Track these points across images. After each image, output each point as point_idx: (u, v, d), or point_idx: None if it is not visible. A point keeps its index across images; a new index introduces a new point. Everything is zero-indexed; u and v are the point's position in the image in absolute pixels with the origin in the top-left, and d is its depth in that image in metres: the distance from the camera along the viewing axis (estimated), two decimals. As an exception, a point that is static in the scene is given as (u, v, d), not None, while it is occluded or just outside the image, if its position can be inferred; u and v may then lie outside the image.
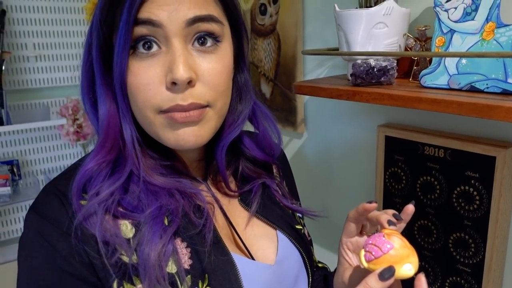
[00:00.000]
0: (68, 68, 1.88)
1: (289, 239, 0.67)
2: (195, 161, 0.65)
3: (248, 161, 0.68)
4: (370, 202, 0.56)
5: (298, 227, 0.70)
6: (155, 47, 0.51)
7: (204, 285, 0.54)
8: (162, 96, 0.52)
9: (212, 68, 0.53)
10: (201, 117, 0.54)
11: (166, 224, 0.54)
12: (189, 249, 0.55)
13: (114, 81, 0.53)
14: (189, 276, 0.54)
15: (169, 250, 0.52)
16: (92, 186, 0.53)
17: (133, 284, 0.51)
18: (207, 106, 0.54)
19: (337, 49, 0.90)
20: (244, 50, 0.62)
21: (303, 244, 0.68)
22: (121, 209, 0.54)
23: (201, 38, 0.52)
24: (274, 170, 0.74)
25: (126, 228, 0.53)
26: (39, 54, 1.79)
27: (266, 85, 1.33)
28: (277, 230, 0.67)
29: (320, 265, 0.78)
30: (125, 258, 0.52)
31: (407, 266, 0.48)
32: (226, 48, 0.55)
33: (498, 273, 0.83)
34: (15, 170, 1.80)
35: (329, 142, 1.17)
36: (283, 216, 0.69)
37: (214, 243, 0.57)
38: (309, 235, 0.74)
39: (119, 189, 0.54)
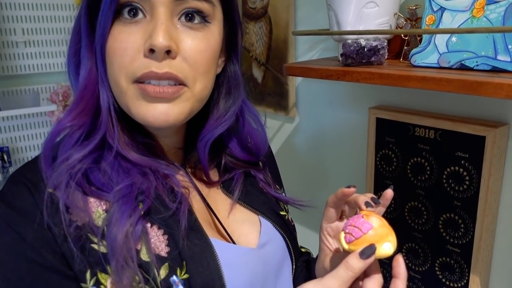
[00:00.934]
0: (58, 54, 1.85)
1: (272, 224, 0.66)
2: (173, 148, 0.63)
3: (231, 157, 0.67)
4: (349, 187, 0.55)
5: (282, 213, 0.69)
6: (140, 15, 0.50)
7: (183, 273, 0.53)
8: (138, 63, 0.50)
9: (195, 45, 0.52)
10: (175, 94, 0.52)
11: (137, 204, 0.52)
12: (166, 236, 0.53)
13: (95, 43, 0.52)
14: (166, 264, 0.52)
15: (138, 230, 0.51)
16: (63, 151, 0.51)
17: (106, 273, 0.49)
18: (184, 85, 0.52)
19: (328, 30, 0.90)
20: (238, 41, 0.60)
21: (287, 230, 0.68)
22: (89, 186, 0.52)
23: (189, 15, 0.51)
24: (260, 165, 0.73)
25: (98, 213, 0.51)
26: (28, 39, 1.76)
27: (258, 69, 1.32)
28: (260, 216, 0.66)
29: (303, 250, 0.78)
30: (95, 246, 0.50)
31: (387, 245, 0.48)
32: (214, 30, 0.54)
33: (487, 252, 0.83)
34: (5, 157, 1.79)
35: (321, 126, 1.17)
36: (267, 202, 0.68)
37: (191, 228, 0.55)
38: (292, 221, 0.73)
39: (89, 157, 0.52)
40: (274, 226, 0.66)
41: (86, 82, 0.54)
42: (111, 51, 0.51)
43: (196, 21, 0.52)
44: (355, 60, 0.78)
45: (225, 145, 0.66)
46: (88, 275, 0.49)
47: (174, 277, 0.52)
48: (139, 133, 0.58)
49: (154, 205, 0.54)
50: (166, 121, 0.52)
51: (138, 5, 0.50)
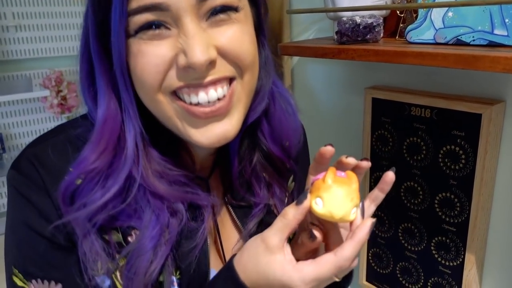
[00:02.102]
0: (50, 38, 1.83)
1: None
2: (207, 155, 0.58)
3: (263, 158, 0.60)
4: (326, 146, 0.50)
5: None
6: (163, 29, 0.44)
7: (177, 273, 0.53)
8: (173, 76, 0.45)
9: (232, 36, 0.46)
10: (229, 107, 0.47)
11: (162, 241, 0.50)
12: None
13: (114, 66, 0.46)
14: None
15: (159, 266, 0.49)
16: (81, 195, 0.48)
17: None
18: (233, 78, 0.47)
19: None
20: (263, 20, 0.54)
21: None
22: (115, 220, 0.49)
23: (217, 11, 0.45)
24: (290, 179, 0.66)
25: (117, 236, 0.50)
26: (19, 23, 1.74)
27: (253, 51, 1.30)
28: None
29: None
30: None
31: (318, 201, 0.44)
32: (244, 15, 0.48)
33: (482, 231, 0.83)
34: (-1, 143, 1.77)
35: (317, 107, 1.16)
36: None
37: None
38: None
39: (113, 201, 0.48)
40: None
41: (105, 116, 0.48)
42: (139, 70, 0.45)
43: (224, 14, 0.46)
44: (350, 38, 0.77)
45: (260, 135, 0.59)
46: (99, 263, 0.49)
47: (173, 278, 0.52)
48: (168, 150, 0.53)
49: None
50: (226, 139, 0.48)
51: (159, 21, 0.44)
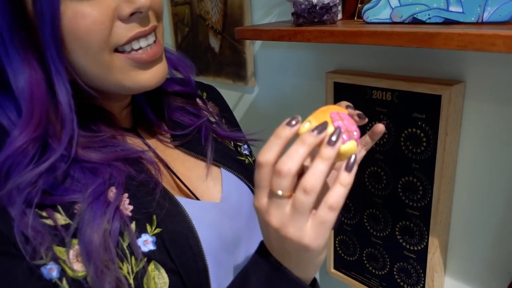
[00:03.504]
0: None
1: (234, 174, 0.64)
2: (125, 109, 0.60)
3: (171, 96, 0.65)
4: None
5: (241, 158, 0.67)
6: None
7: (153, 227, 0.50)
8: (119, 31, 0.47)
9: None
10: (162, 51, 0.52)
11: (109, 199, 0.48)
12: (126, 194, 0.51)
13: (43, 34, 0.44)
14: (133, 222, 0.49)
15: (116, 227, 0.47)
16: (15, 172, 0.44)
17: (64, 246, 0.45)
18: (155, 26, 0.52)
19: (280, -10, 0.85)
20: None
21: (250, 177, 0.65)
22: (50, 196, 0.46)
23: None
24: (200, 103, 0.71)
25: (59, 215, 0.46)
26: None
27: (215, 38, 1.27)
28: (221, 168, 0.64)
29: None
30: (47, 221, 0.45)
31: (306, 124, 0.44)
32: None
33: (445, 214, 0.83)
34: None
35: (281, 94, 1.13)
36: (223, 150, 0.66)
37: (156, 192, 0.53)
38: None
39: (45, 174, 0.46)
40: (236, 176, 0.64)
41: (30, 88, 0.46)
42: (83, 31, 0.45)
43: None
44: (307, 19, 0.74)
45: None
46: (43, 253, 0.44)
47: (143, 236, 0.49)
48: (89, 113, 0.54)
49: (128, 186, 0.51)
50: (162, 79, 0.53)
51: None
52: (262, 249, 0.47)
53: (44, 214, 0.46)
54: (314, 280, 0.50)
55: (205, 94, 0.75)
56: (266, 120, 1.19)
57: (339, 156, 0.42)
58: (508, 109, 0.71)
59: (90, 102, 0.54)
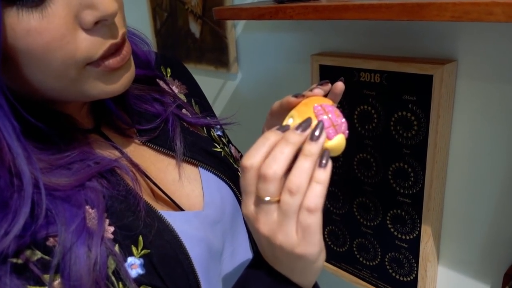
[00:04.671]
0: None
1: (212, 172, 0.59)
2: (84, 106, 0.54)
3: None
4: (296, 96, 0.46)
5: (216, 149, 0.61)
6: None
7: (139, 249, 0.46)
8: (88, 44, 0.40)
9: None
10: (131, 50, 0.46)
11: (89, 225, 0.43)
12: (105, 214, 0.45)
13: None
14: (116, 245, 0.44)
15: (104, 259, 0.42)
16: None
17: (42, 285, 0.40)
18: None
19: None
20: None
21: (228, 173, 0.60)
22: (22, 239, 0.40)
23: None
24: (163, 85, 0.64)
25: (29, 252, 0.40)
26: None
27: (195, 23, 1.21)
28: (199, 168, 0.58)
29: None
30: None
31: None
32: None
33: (438, 200, 0.79)
34: None
35: (265, 79, 1.08)
36: (196, 142, 0.60)
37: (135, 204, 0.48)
38: (238, 151, 0.65)
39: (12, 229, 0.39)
40: (215, 174, 0.59)
41: None
42: (41, 50, 0.38)
43: None
44: (289, -4, 0.69)
45: None
46: None
47: (129, 260, 0.44)
48: (44, 124, 0.46)
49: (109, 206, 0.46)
50: (129, 84, 0.47)
51: None
52: (259, 258, 0.44)
53: (19, 261, 0.40)
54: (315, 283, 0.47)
55: (169, 71, 0.67)
56: (250, 108, 1.14)
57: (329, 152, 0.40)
58: (502, 87, 0.67)
59: (42, 106, 0.47)
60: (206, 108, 0.69)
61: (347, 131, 0.43)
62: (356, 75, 0.82)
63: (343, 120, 0.42)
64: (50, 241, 0.41)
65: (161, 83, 0.64)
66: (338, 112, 0.42)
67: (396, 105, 0.77)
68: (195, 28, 1.21)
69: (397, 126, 0.79)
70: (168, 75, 0.67)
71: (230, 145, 0.68)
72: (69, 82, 0.42)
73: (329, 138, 0.40)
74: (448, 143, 0.76)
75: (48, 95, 0.44)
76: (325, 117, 0.40)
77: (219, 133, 0.67)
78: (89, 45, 0.40)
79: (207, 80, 1.23)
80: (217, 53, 1.17)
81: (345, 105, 0.86)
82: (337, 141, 0.41)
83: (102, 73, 0.43)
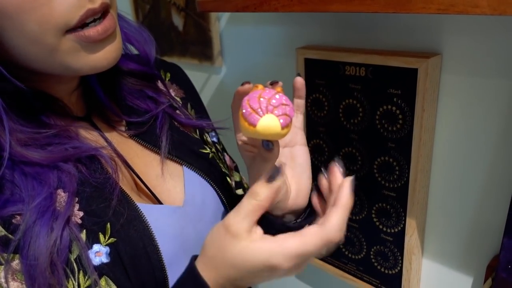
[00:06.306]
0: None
1: (197, 173, 0.58)
2: (74, 92, 0.53)
3: (126, 75, 0.58)
4: (243, 84, 0.49)
5: (204, 151, 0.61)
6: None
7: (107, 237, 0.45)
8: (64, 7, 0.39)
9: None
10: (115, 25, 0.44)
11: (58, 207, 0.42)
12: (76, 198, 0.44)
13: None
14: (84, 231, 0.43)
15: (65, 242, 0.41)
16: None
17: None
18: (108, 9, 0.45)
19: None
20: None
21: (214, 175, 0.60)
22: None
23: None
24: (160, 86, 0.64)
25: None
26: None
27: (178, 15, 1.19)
28: (183, 166, 0.57)
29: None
30: None
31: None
32: None
33: (423, 194, 0.79)
34: None
35: (250, 73, 1.07)
36: (183, 142, 0.59)
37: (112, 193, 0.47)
38: (233, 161, 0.65)
39: None
40: (199, 175, 0.58)
41: None
42: (15, 10, 0.38)
43: None
44: (274, -13, 0.68)
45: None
46: None
47: (95, 247, 0.43)
48: (34, 106, 0.46)
49: (81, 192, 0.45)
50: (116, 59, 0.46)
51: None
52: (194, 268, 0.44)
53: None
54: None
55: (168, 75, 0.68)
56: (235, 102, 1.13)
57: (259, 134, 0.41)
58: (486, 81, 0.67)
59: (30, 85, 0.46)
60: (202, 114, 0.69)
61: (291, 114, 0.43)
62: (341, 69, 0.81)
63: (284, 102, 0.42)
64: (17, 219, 0.40)
65: (159, 83, 0.63)
66: (278, 96, 0.43)
67: (381, 98, 0.77)
68: (178, 21, 1.19)
69: (382, 119, 0.78)
70: (167, 79, 0.67)
71: (225, 153, 0.68)
72: (49, 51, 0.41)
73: (253, 123, 0.41)
74: (433, 137, 0.76)
75: (33, 66, 0.43)
76: (244, 102, 0.42)
77: (214, 139, 0.66)
78: (64, 9, 0.40)
79: (191, 74, 1.20)
80: (201, 46, 1.16)
81: (330, 99, 0.85)
82: (265, 122, 0.41)
83: (83, 44, 0.43)
